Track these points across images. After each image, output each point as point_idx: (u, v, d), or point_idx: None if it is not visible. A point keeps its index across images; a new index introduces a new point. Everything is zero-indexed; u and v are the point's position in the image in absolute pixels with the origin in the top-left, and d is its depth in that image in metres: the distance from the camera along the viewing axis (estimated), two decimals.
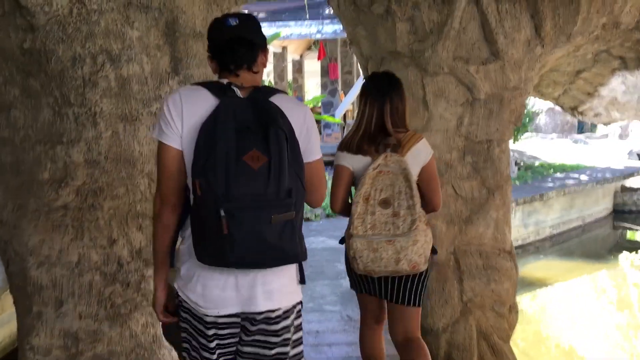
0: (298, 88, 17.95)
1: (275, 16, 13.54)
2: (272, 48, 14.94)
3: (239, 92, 1.68)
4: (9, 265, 2.67)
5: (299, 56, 18.16)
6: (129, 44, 2.54)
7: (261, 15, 12.94)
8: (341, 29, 13.37)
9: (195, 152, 1.61)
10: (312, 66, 17.90)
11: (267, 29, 11.85)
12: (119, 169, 2.61)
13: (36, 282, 2.55)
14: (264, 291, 1.69)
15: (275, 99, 1.69)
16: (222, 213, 1.53)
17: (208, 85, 1.72)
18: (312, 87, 22.51)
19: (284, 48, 16.78)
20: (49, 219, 2.56)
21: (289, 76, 18.19)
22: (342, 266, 5.08)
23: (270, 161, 1.57)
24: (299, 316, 1.82)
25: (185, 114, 1.67)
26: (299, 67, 18.38)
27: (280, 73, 17.40)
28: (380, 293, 2.48)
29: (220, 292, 1.69)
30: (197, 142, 1.61)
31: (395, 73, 2.67)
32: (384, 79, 2.55)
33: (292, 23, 13.45)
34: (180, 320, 1.81)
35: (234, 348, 1.79)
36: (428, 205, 2.47)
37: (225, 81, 1.72)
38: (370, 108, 2.46)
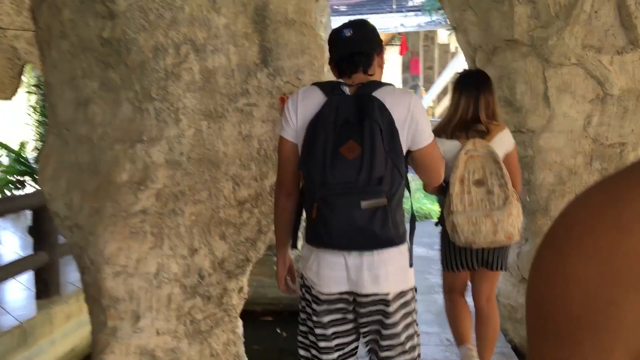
0: None
1: (357, 9, 13.25)
2: None
3: (346, 90, 1.86)
4: (83, 274, 2.48)
5: None
6: (214, 32, 2.32)
7: (342, 8, 12.68)
8: (425, 21, 12.91)
9: (302, 145, 1.85)
10: (390, 61, 17.40)
11: None
12: (201, 171, 2.37)
13: (112, 294, 2.34)
14: (370, 275, 1.82)
15: (379, 92, 1.83)
16: (317, 200, 1.75)
17: (321, 84, 1.92)
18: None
19: None
20: (126, 225, 2.35)
21: None
22: (434, 279, 4.65)
23: (363, 151, 1.73)
24: (409, 301, 1.90)
25: (300, 110, 1.88)
26: None
27: None
28: (479, 263, 2.75)
29: (330, 272, 1.85)
30: (304, 137, 1.84)
31: (512, 64, 2.60)
32: (479, 75, 2.82)
33: (373, 16, 13.09)
34: (301, 298, 2.00)
35: (349, 326, 1.94)
36: None
37: (335, 80, 1.91)
38: (466, 101, 2.71)
